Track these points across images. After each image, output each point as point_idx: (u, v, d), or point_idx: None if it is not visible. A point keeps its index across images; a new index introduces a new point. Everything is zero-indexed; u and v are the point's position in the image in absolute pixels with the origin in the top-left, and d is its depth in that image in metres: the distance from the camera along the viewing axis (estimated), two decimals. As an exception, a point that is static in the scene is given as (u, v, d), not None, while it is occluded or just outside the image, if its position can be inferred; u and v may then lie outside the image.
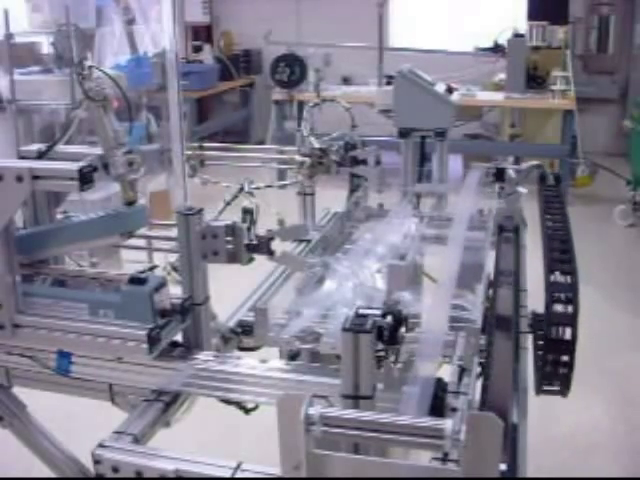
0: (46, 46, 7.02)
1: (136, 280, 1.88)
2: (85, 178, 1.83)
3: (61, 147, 2.18)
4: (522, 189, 2.81)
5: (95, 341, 1.85)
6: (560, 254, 2.11)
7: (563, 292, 1.91)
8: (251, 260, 2.06)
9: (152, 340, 1.80)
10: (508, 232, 2.63)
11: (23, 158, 2.09)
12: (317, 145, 2.84)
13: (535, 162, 3.00)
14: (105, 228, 2.11)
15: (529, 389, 1.89)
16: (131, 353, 1.84)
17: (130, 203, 2.04)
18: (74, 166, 1.82)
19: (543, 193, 2.78)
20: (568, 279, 1.97)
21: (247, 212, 2.14)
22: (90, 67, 2.03)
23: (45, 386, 2.00)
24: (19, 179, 1.81)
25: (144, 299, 1.84)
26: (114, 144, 2.00)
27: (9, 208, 1.89)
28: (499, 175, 2.82)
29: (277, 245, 2.11)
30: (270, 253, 2.08)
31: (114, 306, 1.87)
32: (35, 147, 2.17)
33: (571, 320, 1.89)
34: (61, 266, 2.22)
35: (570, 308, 1.90)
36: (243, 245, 2.04)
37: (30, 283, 2.08)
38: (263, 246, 2.05)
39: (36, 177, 1.82)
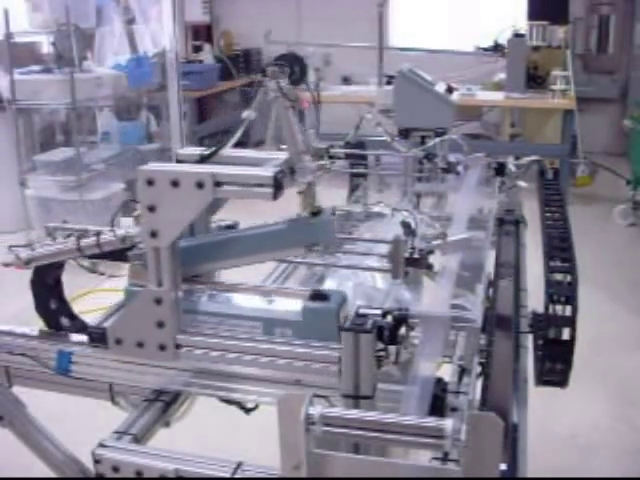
0: (46, 46, 7.02)
1: (319, 296, 1.77)
2: (279, 185, 1.67)
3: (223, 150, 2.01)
4: (522, 183, 2.82)
5: (270, 362, 1.71)
6: (560, 251, 2.12)
7: (562, 292, 1.91)
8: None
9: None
10: (508, 225, 2.64)
11: (180, 162, 1.92)
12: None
13: (534, 157, 3.02)
14: (289, 240, 1.89)
15: (529, 382, 1.89)
16: (315, 374, 1.68)
17: (316, 213, 1.87)
18: (268, 172, 1.67)
19: (542, 188, 2.80)
20: (567, 278, 1.97)
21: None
22: (282, 66, 1.90)
23: (45, 386, 1.99)
24: (199, 185, 1.65)
25: (330, 316, 1.72)
26: (303, 148, 1.87)
27: (183, 218, 1.71)
28: (500, 170, 2.83)
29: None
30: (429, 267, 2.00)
31: (294, 324, 1.75)
32: (192, 150, 1.99)
33: (570, 321, 1.89)
34: (222, 280, 2.03)
35: (569, 308, 1.90)
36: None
37: (190, 300, 1.92)
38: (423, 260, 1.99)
39: (219, 183, 1.66)
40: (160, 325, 1.76)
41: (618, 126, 8.79)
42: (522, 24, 8.44)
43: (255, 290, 1.94)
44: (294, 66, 8.14)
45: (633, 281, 5.87)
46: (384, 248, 2.10)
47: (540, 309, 1.99)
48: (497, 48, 8.57)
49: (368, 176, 2.89)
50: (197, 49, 10.58)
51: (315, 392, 1.47)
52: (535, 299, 2.12)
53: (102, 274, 2.72)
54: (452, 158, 2.70)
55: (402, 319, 1.64)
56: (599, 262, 5.97)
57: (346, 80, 9.17)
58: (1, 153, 6.72)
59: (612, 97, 9.85)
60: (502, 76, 8.36)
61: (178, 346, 1.78)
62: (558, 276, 1.96)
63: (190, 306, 1.87)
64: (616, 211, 7.33)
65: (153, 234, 1.70)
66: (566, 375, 1.93)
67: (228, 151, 1.97)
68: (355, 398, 1.56)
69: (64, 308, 2.24)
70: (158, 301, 1.74)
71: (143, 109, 7.55)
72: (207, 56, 10.39)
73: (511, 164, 2.85)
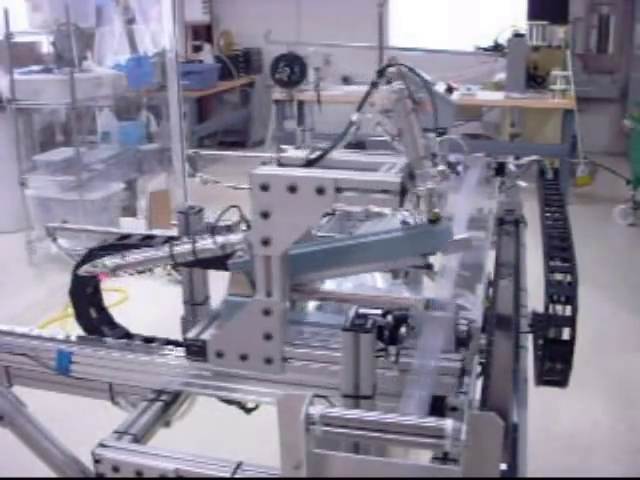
0: (46, 45, 7.03)
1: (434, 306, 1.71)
2: (405, 191, 1.60)
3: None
4: (522, 183, 2.83)
5: (400, 377, 1.64)
6: (560, 251, 2.12)
7: (562, 291, 1.91)
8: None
9: (463, 373, 1.63)
10: (508, 225, 2.64)
11: (282, 165, 1.80)
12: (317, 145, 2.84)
13: (534, 157, 3.02)
14: (406, 248, 1.78)
15: (529, 381, 1.89)
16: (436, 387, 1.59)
17: (435, 220, 1.76)
18: (395, 178, 1.60)
19: (542, 188, 2.81)
20: (567, 278, 1.97)
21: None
22: (398, 64, 1.85)
23: (45, 386, 2.00)
24: (320, 191, 1.57)
25: (448, 326, 1.67)
26: (425, 154, 1.78)
27: (299, 225, 1.63)
28: (500, 169, 2.84)
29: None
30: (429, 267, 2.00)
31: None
32: (295, 153, 1.87)
33: (570, 320, 1.89)
34: (330, 289, 1.90)
35: (569, 308, 1.90)
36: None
37: (295, 310, 1.85)
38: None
39: (339, 189, 1.58)
40: (267, 337, 1.70)
41: (618, 126, 8.79)
42: (522, 24, 8.44)
43: (367, 300, 1.83)
44: (294, 66, 8.14)
45: (633, 281, 5.87)
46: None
47: (540, 309, 1.99)
48: (497, 48, 8.57)
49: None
50: (197, 49, 10.59)
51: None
52: (535, 299, 2.12)
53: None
54: (452, 158, 2.69)
55: (402, 319, 1.64)
56: (599, 262, 5.97)
57: (346, 80, 9.17)
58: (1, 153, 6.73)
59: (612, 97, 9.86)
60: (502, 76, 8.36)
61: (285, 359, 1.72)
62: (558, 276, 1.96)
63: (297, 317, 1.81)
64: (616, 211, 7.33)
65: (265, 242, 1.63)
66: (566, 375, 1.93)
67: (334, 154, 1.84)
68: (355, 398, 1.56)
69: (104, 317, 2.22)
70: (267, 312, 1.69)
71: (143, 109, 7.55)
72: (207, 56, 10.40)
73: (511, 164, 2.85)
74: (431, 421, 1.29)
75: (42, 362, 1.95)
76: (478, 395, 1.58)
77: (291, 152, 1.87)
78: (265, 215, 1.61)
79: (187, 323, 2.20)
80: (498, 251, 2.41)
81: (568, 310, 1.87)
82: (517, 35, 8.15)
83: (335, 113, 3.12)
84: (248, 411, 1.97)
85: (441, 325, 1.67)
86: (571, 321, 1.87)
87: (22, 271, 6.06)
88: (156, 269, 2.10)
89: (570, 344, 1.89)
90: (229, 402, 1.90)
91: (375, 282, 2.13)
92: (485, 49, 8.80)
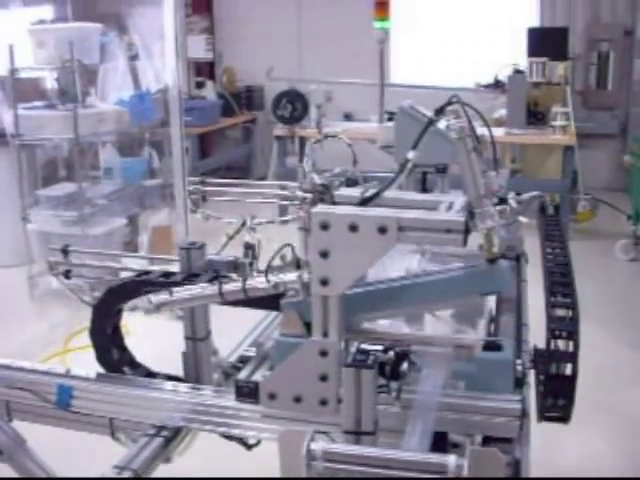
0: (50, 81, 7.08)
1: (492, 346, 1.71)
2: (468, 230, 1.60)
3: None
4: (523, 219, 2.83)
5: (449, 417, 1.63)
6: (561, 286, 2.12)
7: (564, 327, 1.91)
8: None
9: (524, 414, 1.63)
10: (510, 261, 2.62)
11: (336, 204, 1.79)
12: (319, 181, 2.85)
13: (535, 193, 3.03)
14: (466, 288, 1.76)
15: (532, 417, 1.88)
16: (494, 429, 1.62)
17: (493, 260, 1.77)
18: (459, 217, 1.60)
19: (543, 223, 2.81)
20: (569, 313, 1.97)
21: (249, 247, 2.14)
22: (459, 102, 1.85)
23: (45, 420, 1.99)
24: (382, 231, 1.55)
25: (506, 367, 1.66)
26: (485, 192, 1.78)
27: (360, 265, 1.62)
28: (500, 205, 2.84)
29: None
30: None
31: (467, 376, 1.68)
32: (349, 192, 1.87)
33: (572, 356, 1.89)
34: (384, 330, 1.86)
35: (571, 344, 1.89)
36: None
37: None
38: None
39: (402, 228, 1.56)
40: (323, 379, 1.68)
41: (618, 162, 8.81)
42: (522, 61, 8.50)
43: (421, 340, 1.82)
44: (296, 103, 8.19)
45: (635, 316, 5.85)
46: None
47: (542, 344, 1.99)
48: (497, 84, 8.62)
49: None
50: (199, 85, 10.65)
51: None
52: (537, 334, 2.12)
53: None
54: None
55: (403, 355, 1.64)
56: (601, 297, 5.96)
57: (347, 116, 9.23)
58: (4, 187, 6.75)
59: (612, 133, 9.89)
60: (502, 112, 8.40)
61: (340, 400, 1.67)
62: (560, 311, 1.96)
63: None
64: (617, 246, 7.33)
65: (324, 282, 1.61)
66: (568, 411, 1.93)
67: (388, 193, 1.87)
68: (357, 434, 1.55)
69: (126, 356, 2.21)
70: (323, 353, 1.66)
71: (145, 145, 7.59)
72: (209, 92, 10.46)
73: (512, 199, 2.86)
74: (433, 457, 1.28)
75: (42, 396, 1.94)
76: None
77: (344, 190, 1.88)
78: (324, 254, 1.59)
79: (188, 358, 2.20)
80: None
81: (570, 346, 1.87)
82: (517, 72, 8.20)
83: (337, 150, 3.13)
84: (249, 447, 1.96)
85: (442, 361, 1.67)
86: (573, 357, 1.87)
87: (23, 305, 6.05)
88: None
89: (572, 380, 1.88)
90: (230, 438, 1.89)
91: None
92: (485, 86, 8.86)
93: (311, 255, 1.62)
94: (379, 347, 1.64)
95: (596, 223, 8.20)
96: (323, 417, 1.68)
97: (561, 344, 1.86)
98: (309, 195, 2.82)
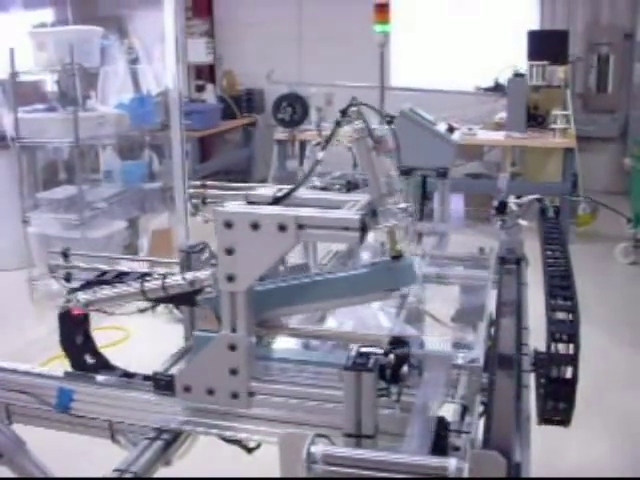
0: (50, 84, 7.08)
1: (397, 342, 1.70)
2: (365, 228, 1.63)
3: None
4: (523, 222, 2.83)
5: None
6: (561, 290, 2.12)
7: (564, 330, 1.91)
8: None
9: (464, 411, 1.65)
10: (510, 264, 2.63)
11: (252, 203, 1.85)
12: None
13: (535, 196, 3.02)
14: (370, 284, 1.82)
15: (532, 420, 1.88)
16: (399, 423, 1.63)
17: (398, 257, 1.81)
18: (355, 214, 1.63)
19: (543, 226, 2.82)
20: (569, 316, 1.97)
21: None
22: (360, 104, 1.93)
23: (45, 423, 1.99)
24: (282, 228, 1.61)
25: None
26: (387, 191, 1.82)
27: (263, 262, 1.67)
28: (501, 208, 2.84)
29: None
30: None
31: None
32: (265, 191, 1.93)
33: (572, 359, 1.89)
34: (299, 325, 1.96)
35: (571, 346, 1.89)
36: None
37: (262, 345, 1.90)
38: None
39: (301, 226, 1.61)
40: (233, 372, 1.72)
41: (618, 165, 8.82)
42: (522, 64, 8.50)
43: (333, 335, 1.90)
44: (296, 106, 8.19)
45: (635, 319, 5.85)
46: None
47: (542, 347, 1.99)
48: (497, 88, 8.63)
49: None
50: (200, 89, 10.65)
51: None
52: (537, 337, 2.12)
53: (104, 312, 2.71)
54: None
55: (404, 358, 1.64)
56: (601, 300, 5.95)
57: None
58: (4, 190, 6.75)
59: (612, 136, 9.90)
60: (503, 115, 8.41)
61: (251, 394, 1.74)
62: (560, 314, 1.96)
63: (264, 352, 1.83)
64: (617, 249, 7.33)
65: (230, 278, 1.67)
66: (569, 414, 1.93)
67: (301, 192, 1.88)
68: (357, 437, 1.55)
69: (89, 346, 2.23)
70: (232, 347, 1.71)
71: (146, 148, 7.59)
72: (210, 96, 10.46)
73: (512, 203, 2.86)
74: (434, 460, 1.28)
75: (42, 399, 1.94)
76: (480, 434, 1.57)
77: (260, 191, 1.94)
78: (229, 252, 1.65)
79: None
80: (500, 290, 2.40)
81: (570, 348, 1.87)
82: (517, 75, 8.21)
83: (337, 153, 3.12)
84: (249, 450, 1.96)
85: (442, 364, 1.67)
86: (573, 359, 1.87)
87: (23, 308, 6.05)
88: (158, 307, 2.11)
89: (572, 383, 1.89)
90: (230, 441, 1.89)
91: (378, 320, 2.13)
92: (486, 89, 8.87)
93: (218, 252, 1.67)
94: (379, 350, 1.64)
95: (596, 226, 8.20)
96: (323, 420, 1.68)
97: (561, 347, 1.86)
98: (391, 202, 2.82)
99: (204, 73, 11.27)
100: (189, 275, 1.95)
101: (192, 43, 10.41)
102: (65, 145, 6.42)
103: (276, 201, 1.82)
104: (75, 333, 2.18)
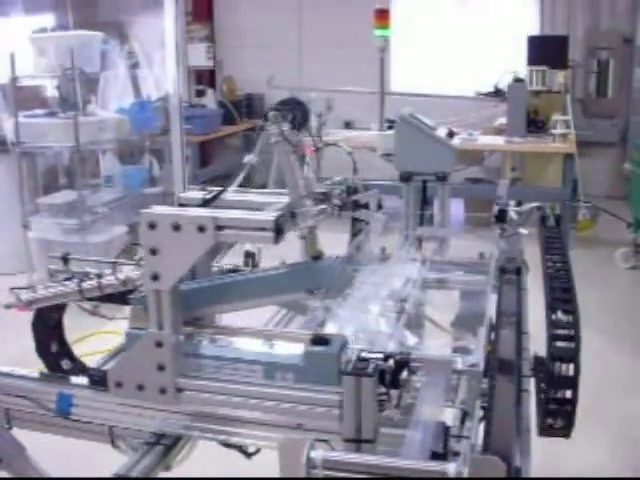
0: (51, 89, 7.09)
1: (319, 340, 1.75)
2: (280, 229, 1.69)
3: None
4: (523, 230, 2.81)
5: (272, 406, 1.72)
6: (562, 293, 2.10)
7: (565, 328, 1.90)
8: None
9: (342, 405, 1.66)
10: (510, 274, 2.59)
11: (183, 205, 1.95)
12: (319, 189, 2.85)
13: (536, 204, 2.99)
14: (290, 284, 1.94)
15: (532, 431, 1.88)
16: (317, 419, 1.67)
17: (317, 257, 1.92)
18: (269, 216, 1.69)
19: (544, 235, 2.77)
20: (569, 317, 1.96)
21: (249, 255, 2.15)
22: (283, 110, 1.99)
23: (45, 428, 1.99)
24: (201, 229, 1.67)
25: (331, 360, 1.69)
26: (305, 193, 1.90)
27: (184, 261, 1.73)
28: (500, 216, 2.79)
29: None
30: None
31: (295, 368, 1.74)
32: (194, 194, 2.02)
33: (573, 355, 1.88)
34: (224, 324, 2.05)
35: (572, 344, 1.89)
36: (245, 288, 2.04)
37: (191, 343, 1.92)
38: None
39: (220, 227, 1.68)
40: (161, 368, 1.77)
41: (618, 170, 8.82)
42: (522, 69, 8.51)
43: (257, 334, 1.94)
44: (296, 111, 8.20)
45: (635, 324, 5.85)
46: (383, 291, 2.11)
47: (542, 353, 1.99)
48: (497, 93, 8.64)
49: (370, 221, 2.89)
50: (200, 93, 10.66)
51: (316, 436, 1.47)
52: (537, 341, 2.12)
53: (103, 316, 2.72)
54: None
55: (404, 363, 1.64)
56: (601, 305, 5.95)
57: (348, 125, 9.23)
58: (4, 195, 6.75)
59: (612, 141, 9.90)
60: (503, 120, 8.41)
61: (179, 389, 1.78)
62: (561, 331, 1.93)
63: (191, 349, 1.86)
64: (617, 254, 7.33)
65: (154, 277, 1.72)
66: (568, 431, 1.92)
67: (231, 195, 2.01)
68: (357, 442, 1.55)
69: (65, 350, 2.24)
70: (159, 344, 1.75)
71: (146, 153, 7.60)
72: (210, 101, 10.47)
73: (512, 211, 2.85)
74: (434, 465, 1.28)
75: (42, 404, 1.94)
76: (480, 439, 1.57)
77: (191, 193, 2.04)
78: (153, 252, 1.71)
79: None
80: (499, 301, 2.35)
81: (570, 369, 1.85)
82: (517, 80, 8.22)
83: (337, 158, 3.13)
84: (249, 455, 1.96)
85: (443, 369, 1.67)
86: (573, 381, 1.85)
87: (23, 313, 6.04)
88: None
89: (572, 403, 1.87)
90: (229, 446, 1.89)
91: (378, 325, 2.12)
92: (486, 94, 8.88)
93: (143, 252, 1.73)
94: (379, 355, 1.64)
95: (596, 231, 8.20)
96: (323, 424, 1.69)
97: (563, 368, 1.85)
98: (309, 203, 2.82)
99: (204, 78, 11.28)
100: (122, 275, 2.07)
101: (192, 48, 10.42)
102: (65, 150, 6.43)
103: (204, 203, 1.94)
104: (50, 339, 2.20)
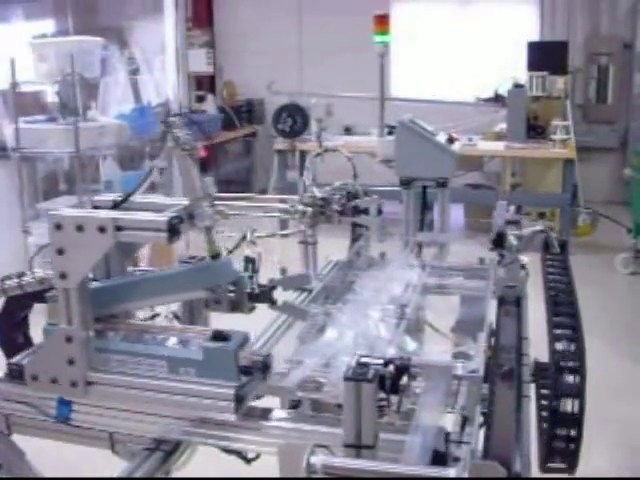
0: (51, 95, 7.09)
1: (219, 336, 1.84)
2: (174, 229, 1.77)
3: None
4: (524, 258, 2.58)
5: (175, 400, 1.81)
6: (567, 343, 1.90)
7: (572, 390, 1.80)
8: (253, 309, 2.07)
9: (239, 399, 1.75)
10: (509, 305, 2.35)
11: (97, 208, 2.05)
12: (319, 194, 2.85)
13: (539, 227, 2.73)
14: (190, 282, 2.04)
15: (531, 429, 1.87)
16: (215, 412, 1.77)
17: (215, 256, 2.00)
18: (163, 217, 1.78)
19: (547, 264, 2.50)
20: (576, 380, 1.82)
21: (249, 261, 2.15)
22: (175, 115, 2.06)
23: (45, 434, 1.99)
24: (101, 230, 1.76)
25: (229, 356, 1.78)
26: (201, 194, 1.97)
27: (88, 260, 1.82)
28: (499, 242, 2.58)
29: (279, 294, 2.12)
30: (272, 302, 2.08)
31: (196, 363, 1.82)
32: (109, 197, 2.14)
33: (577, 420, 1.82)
34: (134, 320, 2.13)
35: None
36: (245, 294, 2.05)
37: (102, 338, 1.99)
38: (265, 295, 2.06)
39: (119, 228, 1.77)
40: (71, 362, 1.84)
41: (618, 175, 8.83)
42: (522, 75, 8.52)
43: (162, 330, 2.04)
44: (296, 116, 8.21)
45: (635, 330, 5.85)
46: (384, 296, 2.11)
47: (541, 357, 1.98)
48: (497, 98, 8.65)
49: (370, 226, 2.89)
50: (200, 99, 10.67)
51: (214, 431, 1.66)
52: (537, 348, 2.11)
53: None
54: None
55: (404, 368, 1.64)
56: (601, 311, 5.95)
57: (348, 130, 9.24)
58: (4, 200, 6.75)
59: (612, 146, 9.91)
60: (503, 126, 8.43)
61: (89, 383, 1.86)
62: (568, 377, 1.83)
63: (102, 345, 1.94)
64: (617, 260, 7.34)
65: (62, 276, 1.81)
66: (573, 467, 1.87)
67: (141, 197, 2.11)
68: (357, 448, 1.55)
69: (28, 344, 2.28)
70: (69, 339, 1.83)
71: (146, 158, 7.60)
72: (210, 106, 10.47)
73: (511, 235, 2.60)
74: (434, 471, 1.28)
75: (42, 410, 1.94)
76: (480, 444, 1.57)
77: (105, 196, 2.17)
78: (60, 252, 1.80)
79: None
80: (498, 333, 2.11)
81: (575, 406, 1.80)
82: (517, 86, 8.23)
83: (337, 163, 3.13)
84: (249, 461, 1.95)
85: (443, 374, 1.67)
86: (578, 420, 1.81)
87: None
88: (157, 317, 2.12)
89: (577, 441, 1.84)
90: (229, 452, 1.89)
91: (378, 331, 2.12)
92: (486, 100, 8.89)
93: (51, 252, 1.81)
94: (379, 360, 1.64)
95: (596, 236, 8.21)
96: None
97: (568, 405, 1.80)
98: (309, 209, 2.82)
99: (204, 83, 11.29)
100: (39, 274, 2.17)
101: (192, 54, 10.42)
102: (65, 155, 6.44)
103: (114, 206, 2.02)
104: (16, 312, 2.25)
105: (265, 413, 1.82)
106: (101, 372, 1.87)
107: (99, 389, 1.86)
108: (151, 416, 1.85)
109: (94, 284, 2.02)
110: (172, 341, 2.00)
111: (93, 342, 1.88)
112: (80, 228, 1.77)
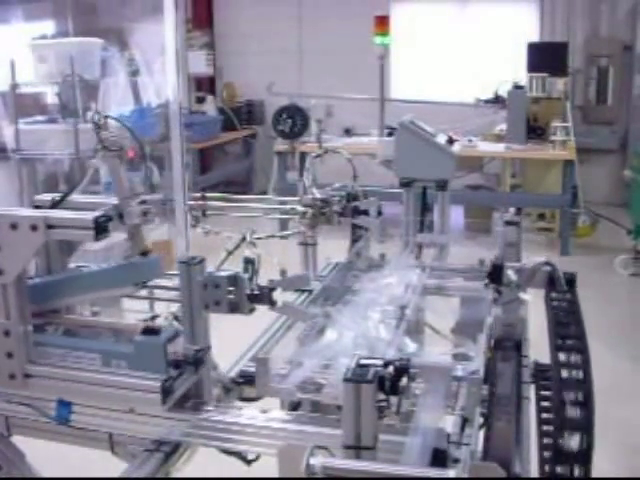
0: (51, 96, 7.10)
1: (149, 331, 1.88)
2: (100, 228, 1.84)
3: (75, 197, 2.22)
4: (525, 295, 2.28)
5: (107, 392, 1.85)
6: (574, 393, 1.73)
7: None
8: (253, 310, 2.06)
9: (166, 391, 1.79)
10: (507, 350, 2.09)
11: (38, 207, 2.10)
12: (319, 196, 2.86)
13: (542, 259, 2.48)
14: (119, 278, 2.11)
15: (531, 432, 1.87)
16: (144, 404, 1.83)
17: (144, 253, 2.08)
18: (89, 216, 1.83)
19: (552, 304, 2.24)
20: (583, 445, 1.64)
21: (249, 262, 2.15)
22: (106, 117, 2.09)
23: (44, 435, 1.99)
24: (33, 228, 1.82)
25: (158, 350, 1.83)
26: (129, 194, 2.04)
27: (23, 257, 1.88)
28: (496, 276, 2.30)
29: (279, 295, 2.11)
30: (272, 303, 2.08)
31: (127, 357, 1.87)
32: (50, 196, 2.18)
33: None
34: (74, 316, 2.20)
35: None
36: (245, 295, 2.05)
37: (41, 333, 2.05)
38: (265, 296, 2.06)
39: (50, 226, 1.83)
40: (9, 355, 1.89)
41: (618, 176, 8.83)
42: (522, 76, 8.53)
43: (99, 325, 2.14)
44: (296, 118, 8.20)
45: (635, 331, 5.85)
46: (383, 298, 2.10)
47: (541, 359, 1.98)
48: (497, 100, 8.65)
49: (370, 227, 2.89)
50: (200, 100, 10.68)
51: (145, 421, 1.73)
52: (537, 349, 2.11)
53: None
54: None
55: (403, 369, 1.64)
56: (601, 312, 5.94)
57: (348, 131, 9.24)
58: (4, 202, 6.76)
59: (612, 148, 9.91)
60: (503, 127, 8.42)
61: (27, 375, 1.90)
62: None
63: (40, 339, 1.99)
64: (617, 261, 7.33)
65: (0, 272, 1.85)
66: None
67: (79, 197, 2.22)
68: (357, 449, 1.55)
69: None
70: (6, 333, 1.87)
71: (147, 160, 7.59)
72: (210, 107, 10.48)
73: (510, 270, 2.33)
74: (433, 472, 1.28)
75: (42, 411, 1.94)
76: (480, 446, 1.57)
77: (45, 196, 2.19)
78: None
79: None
80: (493, 382, 1.88)
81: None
82: (517, 87, 8.23)
83: (337, 165, 3.13)
84: (248, 462, 1.95)
85: (443, 375, 1.67)
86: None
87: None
88: (157, 319, 2.13)
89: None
90: (229, 453, 1.89)
91: (378, 332, 2.12)
92: (486, 101, 8.88)
93: None
94: (379, 361, 1.64)
95: (596, 238, 8.21)
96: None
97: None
98: (309, 210, 2.83)
99: (204, 85, 11.29)
100: None
101: (192, 55, 10.44)
102: (65, 157, 6.44)
103: (53, 205, 2.08)
104: None
105: (265, 414, 1.82)
106: (38, 365, 1.92)
107: (36, 382, 1.91)
108: (151, 417, 1.86)
109: (34, 280, 2.10)
110: (107, 335, 2.09)
111: (31, 336, 1.93)
112: (14, 226, 1.82)
